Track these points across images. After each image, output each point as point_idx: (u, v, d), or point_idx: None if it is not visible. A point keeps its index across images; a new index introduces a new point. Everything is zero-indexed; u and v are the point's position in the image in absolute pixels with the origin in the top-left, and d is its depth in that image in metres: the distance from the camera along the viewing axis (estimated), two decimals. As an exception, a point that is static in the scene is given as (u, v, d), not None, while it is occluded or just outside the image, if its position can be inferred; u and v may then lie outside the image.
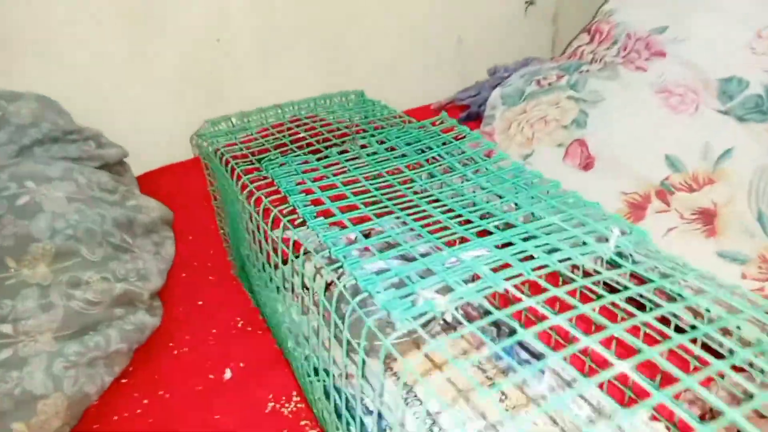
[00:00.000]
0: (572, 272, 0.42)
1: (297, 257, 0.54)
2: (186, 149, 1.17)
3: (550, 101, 0.96)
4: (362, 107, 0.82)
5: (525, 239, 0.46)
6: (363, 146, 0.64)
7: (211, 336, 0.75)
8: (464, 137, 0.65)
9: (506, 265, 0.41)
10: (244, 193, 0.64)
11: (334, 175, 0.59)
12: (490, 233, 0.49)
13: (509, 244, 0.45)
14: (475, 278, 0.42)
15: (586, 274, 0.49)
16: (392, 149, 0.64)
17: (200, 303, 0.80)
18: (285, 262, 0.57)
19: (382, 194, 0.56)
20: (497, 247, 0.45)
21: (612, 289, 0.43)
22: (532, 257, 0.43)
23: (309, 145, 0.69)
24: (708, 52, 0.88)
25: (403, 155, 0.63)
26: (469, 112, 1.18)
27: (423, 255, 0.48)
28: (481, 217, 0.51)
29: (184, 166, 1.14)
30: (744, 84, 0.81)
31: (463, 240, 0.48)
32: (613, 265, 0.44)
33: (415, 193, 0.56)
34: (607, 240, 0.45)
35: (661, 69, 0.91)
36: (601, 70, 0.97)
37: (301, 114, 0.81)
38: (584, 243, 0.45)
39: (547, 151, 0.90)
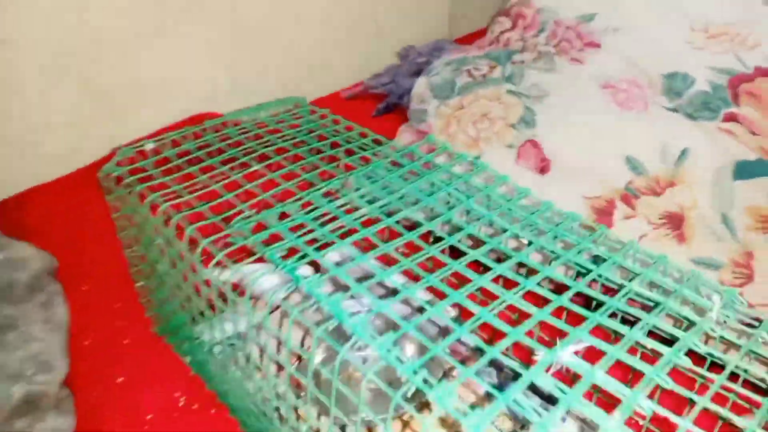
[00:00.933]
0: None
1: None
2: (62, 163, 0.94)
3: (489, 96, 0.89)
4: (311, 122, 0.68)
5: (612, 315, 0.39)
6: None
7: (146, 425, 0.59)
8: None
9: (637, 377, 0.33)
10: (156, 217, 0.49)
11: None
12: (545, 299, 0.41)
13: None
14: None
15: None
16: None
17: (120, 380, 0.63)
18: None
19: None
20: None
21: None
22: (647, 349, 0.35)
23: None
24: (645, 45, 0.86)
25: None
26: (388, 102, 1.07)
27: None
28: (498, 260, 0.42)
29: (60, 186, 0.91)
30: (689, 80, 0.80)
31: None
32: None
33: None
34: (703, 309, 0.39)
35: (598, 61, 0.88)
36: (536, 61, 0.92)
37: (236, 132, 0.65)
38: (686, 318, 0.38)
39: (497, 153, 0.83)
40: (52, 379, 0.55)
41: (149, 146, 0.62)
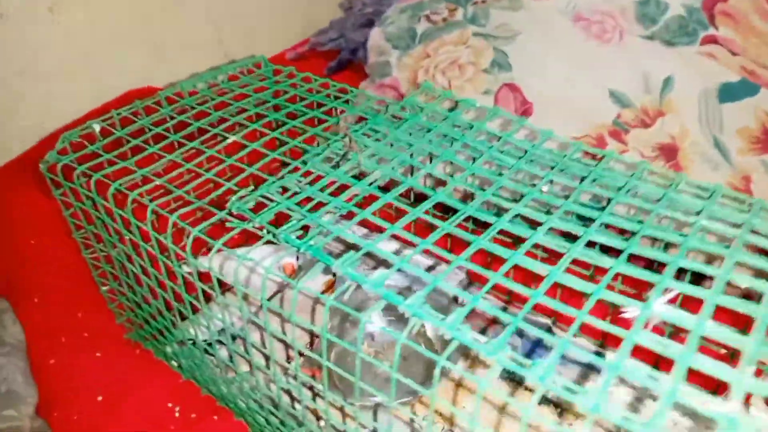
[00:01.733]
0: None
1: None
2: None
3: (455, 41, 0.83)
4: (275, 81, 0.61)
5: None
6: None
7: (142, 445, 0.51)
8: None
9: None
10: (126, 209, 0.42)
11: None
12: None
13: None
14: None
15: None
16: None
17: (100, 398, 0.55)
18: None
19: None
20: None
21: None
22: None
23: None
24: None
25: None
26: (340, 59, 0.99)
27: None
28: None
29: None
30: (663, 5, 0.77)
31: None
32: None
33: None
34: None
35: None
36: (499, 0, 0.87)
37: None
38: None
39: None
40: (22, 412, 0.47)
41: (96, 127, 0.53)
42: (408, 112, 0.50)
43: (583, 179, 0.42)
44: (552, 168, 0.44)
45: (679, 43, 0.75)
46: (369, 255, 0.35)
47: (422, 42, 0.86)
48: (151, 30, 0.94)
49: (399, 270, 0.34)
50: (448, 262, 0.39)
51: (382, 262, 0.62)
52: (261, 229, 0.39)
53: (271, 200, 0.41)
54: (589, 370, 0.52)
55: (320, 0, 1.15)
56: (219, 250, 0.39)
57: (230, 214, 0.40)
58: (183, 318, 0.51)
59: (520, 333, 0.60)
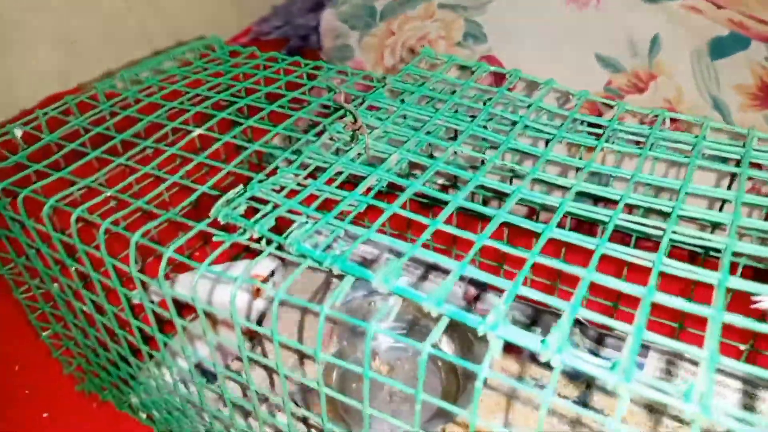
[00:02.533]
0: None
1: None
2: None
3: (420, 15, 0.76)
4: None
5: None
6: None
7: None
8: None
9: None
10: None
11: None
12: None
13: None
14: None
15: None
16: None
17: (56, 471, 0.44)
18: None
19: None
20: None
21: None
22: None
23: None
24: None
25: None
26: (290, 47, 0.90)
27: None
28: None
29: None
30: (639, -39, 0.72)
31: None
32: None
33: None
34: None
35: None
36: (462, -33, 0.79)
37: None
38: None
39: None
40: None
41: (18, 132, 0.42)
42: (410, 83, 0.42)
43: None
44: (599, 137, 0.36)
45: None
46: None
47: (384, 19, 0.78)
48: (64, 24, 0.81)
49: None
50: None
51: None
52: (259, 240, 0.29)
53: (265, 202, 0.32)
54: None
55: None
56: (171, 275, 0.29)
57: (214, 224, 0.31)
58: (151, 356, 0.41)
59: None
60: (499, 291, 0.53)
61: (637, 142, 0.39)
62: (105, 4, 0.84)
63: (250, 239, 0.29)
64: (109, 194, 0.35)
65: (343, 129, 0.36)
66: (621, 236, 0.57)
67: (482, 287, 0.54)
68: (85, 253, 0.34)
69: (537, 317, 0.53)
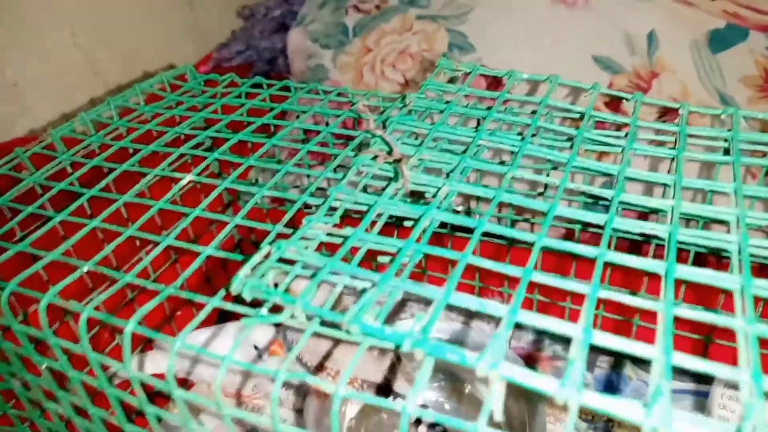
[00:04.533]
0: None
1: None
2: None
3: (397, 28, 0.70)
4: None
5: None
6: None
7: None
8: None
9: None
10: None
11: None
12: None
13: None
14: None
15: None
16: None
17: None
18: None
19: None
20: None
21: None
22: None
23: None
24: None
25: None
26: (255, 72, 0.83)
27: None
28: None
29: None
30: (624, -44, 0.69)
31: None
32: None
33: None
34: None
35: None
36: (436, -24, 0.75)
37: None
38: None
39: (439, 93, 0.65)
40: None
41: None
42: (434, 100, 0.36)
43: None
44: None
45: (651, -6, 0.67)
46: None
47: (358, 36, 0.72)
48: (2, 65, 0.72)
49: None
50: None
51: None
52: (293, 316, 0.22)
53: (292, 263, 0.25)
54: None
55: (209, 11, 0.98)
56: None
57: (236, 299, 0.24)
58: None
59: (590, 367, 0.48)
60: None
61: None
62: (48, 40, 0.75)
63: (292, 316, 0.22)
64: (85, 270, 0.28)
65: (372, 161, 0.30)
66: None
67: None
68: (61, 348, 0.27)
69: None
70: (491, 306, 0.21)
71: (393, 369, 0.39)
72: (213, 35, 0.93)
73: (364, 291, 0.22)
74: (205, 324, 0.26)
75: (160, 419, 0.25)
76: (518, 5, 0.68)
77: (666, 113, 0.61)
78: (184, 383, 0.45)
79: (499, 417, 0.19)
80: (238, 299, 0.24)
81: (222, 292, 0.25)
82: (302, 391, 0.44)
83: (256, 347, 0.46)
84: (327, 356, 0.39)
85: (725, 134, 0.32)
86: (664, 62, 0.63)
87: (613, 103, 0.62)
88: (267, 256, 0.24)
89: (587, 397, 0.18)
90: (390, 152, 0.29)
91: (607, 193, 0.28)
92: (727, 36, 0.64)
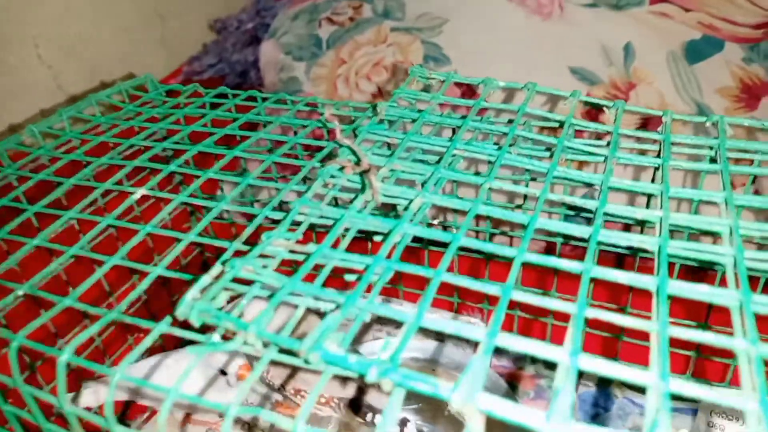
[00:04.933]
0: None
1: None
2: None
3: (372, 40, 0.69)
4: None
5: None
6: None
7: None
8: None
9: None
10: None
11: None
12: None
13: None
14: None
15: None
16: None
17: None
18: None
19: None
20: None
21: None
22: None
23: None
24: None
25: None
26: (226, 84, 0.80)
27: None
28: None
29: None
30: (598, -31, 0.68)
31: None
32: None
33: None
34: None
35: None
36: (410, -13, 0.73)
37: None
38: None
39: (414, 105, 0.63)
40: None
41: None
42: (407, 109, 0.34)
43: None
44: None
45: (627, 5, 0.66)
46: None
47: (331, 48, 0.70)
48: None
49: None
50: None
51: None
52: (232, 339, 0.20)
53: (247, 283, 0.23)
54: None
55: (180, 24, 0.96)
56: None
57: (181, 325, 0.21)
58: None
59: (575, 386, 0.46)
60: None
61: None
62: (12, 54, 0.73)
63: (248, 343, 0.20)
64: (20, 294, 0.25)
65: (340, 172, 0.28)
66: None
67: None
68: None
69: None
70: (468, 330, 0.19)
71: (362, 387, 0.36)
72: (184, 48, 0.91)
73: (326, 314, 0.20)
74: (169, 345, 0.24)
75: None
76: (493, 17, 0.67)
77: (646, 123, 0.60)
78: (136, 409, 0.42)
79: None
80: (188, 324, 0.22)
81: (169, 318, 0.22)
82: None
83: (222, 371, 0.43)
84: (293, 375, 0.36)
85: (711, 142, 0.31)
86: (640, 73, 0.62)
87: (591, 113, 0.61)
88: (219, 276, 0.22)
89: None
90: (358, 162, 0.27)
91: (590, 204, 0.26)
92: (702, 47, 0.64)
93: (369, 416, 0.36)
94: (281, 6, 0.86)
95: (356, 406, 0.36)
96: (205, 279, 0.21)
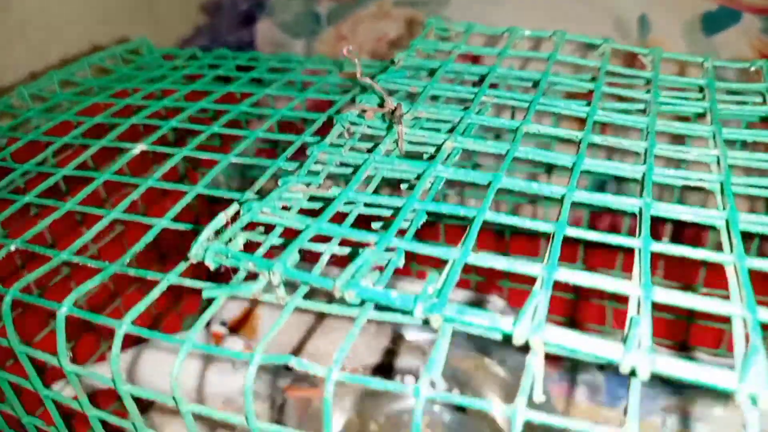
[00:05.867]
0: None
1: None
2: None
3: (374, 14, 0.66)
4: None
5: None
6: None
7: None
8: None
9: None
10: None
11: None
12: None
13: None
14: None
15: None
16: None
17: None
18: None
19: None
20: None
21: None
22: None
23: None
24: None
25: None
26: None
27: None
28: None
29: None
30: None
31: None
32: None
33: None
34: None
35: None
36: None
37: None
38: None
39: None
40: None
41: None
42: (426, 60, 0.31)
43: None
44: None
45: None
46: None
47: (332, 24, 0.68)
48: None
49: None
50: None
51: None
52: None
53: (268, 228, 0.20)
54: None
55: (170, 7, 0.92)
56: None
57: (198, 275, 0.19)
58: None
59: (600, 367, 0.43)
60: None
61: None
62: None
63: (266, 288, 0.17)
64: (12, 248, 0.22)
65: (360, 117, 0.25)
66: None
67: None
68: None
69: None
70: (520, 265, 0.16)
71: (390, 352, 0.34)
72: (175, 32, 0.88)
73: (356, 255, 0.17)
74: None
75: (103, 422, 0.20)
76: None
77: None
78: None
79: (540, 397, 0.14)
80: (201, 275, 0.19)
81: (180, 267, 0.20)
82: (279, 402, 0.38)
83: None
84: (302, 346, 0.34)
85: (759, 87, 0.29)
86: (657, 45, 0.60)
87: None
88: (235, 218, 0.19)
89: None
90: (381, 104, 0.25)
91: (638, 145, 0.23)
92: (719, 18, 0.62)
93: (398, 378, 0.33)
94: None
95: (386, 370, 0.33)
96: (220, 218, 0.19)
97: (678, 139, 0.26)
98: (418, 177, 0.22)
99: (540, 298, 0.15)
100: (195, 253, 0.18)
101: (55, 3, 0.76)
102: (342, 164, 0.24)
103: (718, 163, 0.22)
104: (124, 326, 0.18)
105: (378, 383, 0.15)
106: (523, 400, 0.14)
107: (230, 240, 0.18)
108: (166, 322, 0.48)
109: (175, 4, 0.91)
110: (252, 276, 0.18)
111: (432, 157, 0.23)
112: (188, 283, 0.19)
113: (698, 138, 0.25)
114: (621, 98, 0.28)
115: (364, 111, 0.25)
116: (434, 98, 0.28)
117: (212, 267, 0.18)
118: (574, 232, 0.18)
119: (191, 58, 0.40)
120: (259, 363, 0.15)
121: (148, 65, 0.40)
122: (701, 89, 0.29)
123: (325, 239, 0.19)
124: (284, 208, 0.20)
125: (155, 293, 0.19)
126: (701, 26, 0.61)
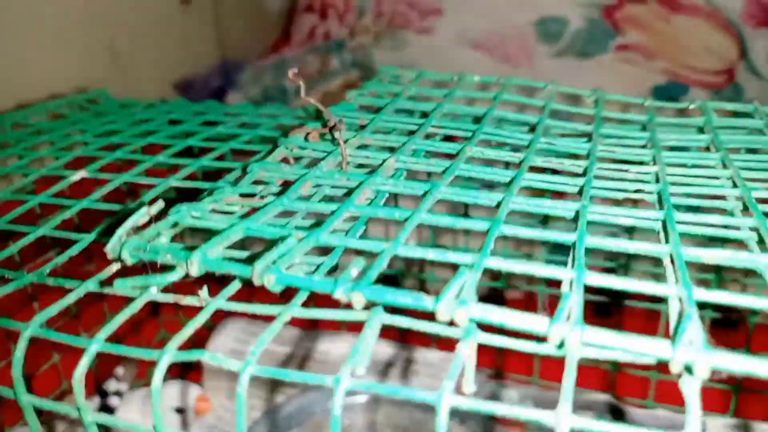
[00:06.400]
0: None
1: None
2: None
3: (342, 86, 0.69)
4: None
5: None
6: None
7: None
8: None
9: None
10: None
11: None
12: None
13: None
14: None
15: None
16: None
17: None
18: None
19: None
20: None
21: None
22: None
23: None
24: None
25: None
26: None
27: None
28: None
29: None
30: (562, 21, 0.70)
31: None
32: None
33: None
34: None
35: (453, 25, 0.74)
36: (378, 41, 0.75)
37: None
38: None
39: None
40: None
41: None
42: (377, 97, 0.32)
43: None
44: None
45: (594, 53, 0.68)
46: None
47: (298, 97, 0.70)
48: None
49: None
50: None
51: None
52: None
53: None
54: None
55: (142, 83, 0.94)
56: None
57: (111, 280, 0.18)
58: None
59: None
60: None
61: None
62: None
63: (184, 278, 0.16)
64: None
65: (305, 140, 0.25)
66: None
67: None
68: None
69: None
70: (450, 256, 0.16)
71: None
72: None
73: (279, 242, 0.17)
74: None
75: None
76: (464, 63, 0.68)
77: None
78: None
79: (470, 387, 0.13)
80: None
81: (98, 276, 0.19)
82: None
83: (178, 410, 0.38)
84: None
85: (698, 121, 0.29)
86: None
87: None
88: (158, 218, 0.18)
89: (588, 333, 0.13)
90: (324, 125, 0.25)
91: (579, 164, 0.24)
92: (668, 91, 0.65)
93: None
94: (249, 65, 0.86)
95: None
96: (141, 213, 0.18)
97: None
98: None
99: (468, 276, 0.14)
100: (111, 248, 0.17)
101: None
102: (283, 183, 0.23)
103: (657, 179, 0.23)
104: (29, 329, 0.16)
105: (296, 375, 0.14)
106: (450, 384, 0.13)
107: (154, 237, 0.17)
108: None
109: (149, 83, 0.94)
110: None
111: (372, 172, 0.23)
112: (108, 290, 0.18)
113: (639, 163, 0.26)
114: (563, 133, 0.29)
115: (308, 134, 0.25)
116: (385, 132, 0.29)
117: (130, 262, 0.17)
118: (510, 230, 0.18)
119: (147, 108, 0.40)
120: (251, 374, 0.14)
121: (106, 113, 0.40)
122: (644, 127, 0.30)
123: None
124: (214, 211, 0.20)
125: (71, 298, 0.18)
126: (652, 98, 0.64)
